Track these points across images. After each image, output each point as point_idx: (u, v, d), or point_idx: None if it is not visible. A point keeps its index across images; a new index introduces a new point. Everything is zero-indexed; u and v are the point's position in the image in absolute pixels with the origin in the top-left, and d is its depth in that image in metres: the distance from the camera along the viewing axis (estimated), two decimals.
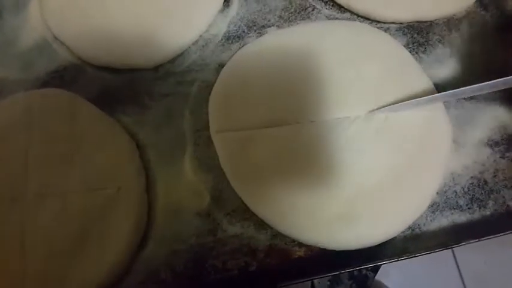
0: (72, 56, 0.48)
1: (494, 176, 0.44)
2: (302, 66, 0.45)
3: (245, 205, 0.42)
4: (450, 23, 0.49)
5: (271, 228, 0.42)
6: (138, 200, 0.41)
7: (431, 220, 0.42)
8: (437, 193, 0.42)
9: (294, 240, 0.41)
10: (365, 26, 0.48)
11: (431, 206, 0.42)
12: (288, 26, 0.49)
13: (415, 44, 0.49)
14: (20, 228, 0.40)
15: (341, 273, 0.40)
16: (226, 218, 0.42)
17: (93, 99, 0.46)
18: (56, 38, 0.49)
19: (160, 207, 0.43)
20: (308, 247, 0.41)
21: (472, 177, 0.44)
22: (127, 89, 0.47)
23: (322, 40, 0.46)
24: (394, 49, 0.46)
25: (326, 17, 0.50)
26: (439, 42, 0.49)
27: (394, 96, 0.43)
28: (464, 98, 0.46)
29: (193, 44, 0.49)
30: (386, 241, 0.40)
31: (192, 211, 0.42)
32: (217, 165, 0.43)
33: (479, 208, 0.43)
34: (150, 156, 0.44)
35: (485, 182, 0.43)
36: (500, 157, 0.44)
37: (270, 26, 0.50)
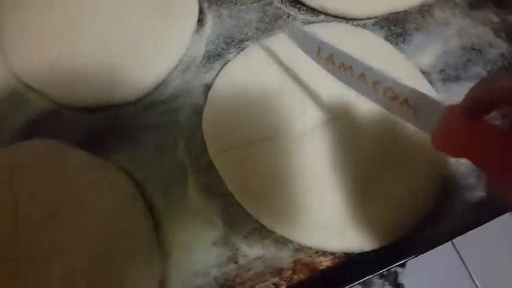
0: (47, 101, 0.45)
1: None
2: (286, 75, 0.45)
3: (260, 224, 0.40)
4: (423, 9, 0.50)
5: (292, 242, 0.40)
6: (148, 241, 0.39)
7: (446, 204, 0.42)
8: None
9: (317, 251, 0.40)
10: (343, 26, 0.48)
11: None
12: (266, 36, 0.49)
13: (393, 36, 0.49)
14: None
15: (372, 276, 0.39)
16: (244, 242, 0.40)
17: (79, 144, 0.43)
18: (26, 86, 0.46)
19: (172, 245, 0.40)
20: (333, 255, 0.40)
21: None
22: (112, 126, 0.45)
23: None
24: (376, 44, 0.47)
25: (302, 22, 0.50)
26: (416, 30, 0.50)
27: None
28: (451, 80, 0.47)
29: (173, 69, 0.47)
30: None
31: (207, 242, 0.40)
32: (223, 189, 0.41)
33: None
34: (151, 193, 0.42)
35: None
36: None
37: (248, 39, 0.49)
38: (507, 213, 0.38)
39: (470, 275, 0.77)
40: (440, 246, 0.38)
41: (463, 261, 0.79)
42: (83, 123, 0.45)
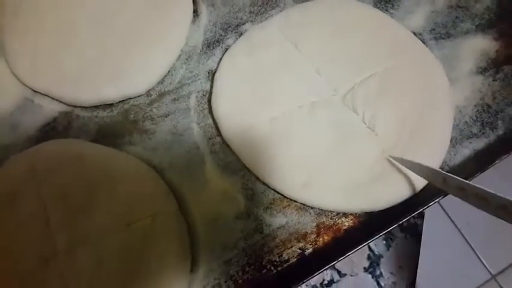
0: (58, 104, 0.47)
1: (494, 98, 0.46)
2: (288, 54, 0.46)
3: (280, 194, 0.42)
4: None
5: (312, 208, 0.42)
6: (176, 221, 0.40)
7: (454, 154, 0.44)
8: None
9: (338, 213, 0.42)
10: (336, 3, 0.50)
11: (451, 142, 0.44)
12: (261, 18, 0.50)
13: (382, 2, 0.51)
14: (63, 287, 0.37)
15: (392, 229, 0.40)
16: (266, 213, 0.42)
17: (94, 140, 0.45)
18: (35, 92, 0.47)
19: (198, 224, 0.41)
20: (354, 215, 0.42)
21: (475, 105, 0.46)
22: (125, 120, 0.46)
23: (299, 24, 0.48)
24: (367, 12, 0.48)
25: (292, 2, 0.51)
26: None
27: (385, 53, 0.45)
28: (443, 38, 0.49)
29: (176, 60, 0.48)
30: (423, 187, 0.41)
31: (231, 217, 0.42)
32: (240, 166, 0.43)
33: (492, 130, 0.45)
34: (171, 178, 0.43)
35: (489, 106, 0.46)
36: (493, 80, 0.47)
37: (244, 23, 0.50)
38: None
39: None
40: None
41: None
42: (96, 120, 0.46)
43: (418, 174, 0.38)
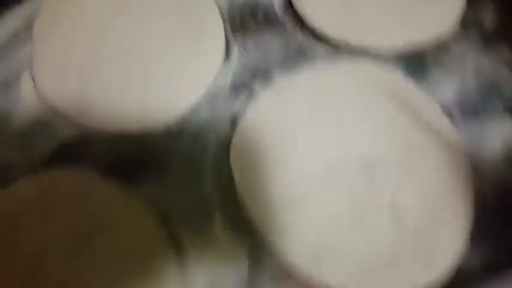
0: (77, 127, 0.46)
1: None
2: (315, 111, 0.46)
3: (287, 263, 0.40)
4: (439, 46, 0.52)
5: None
6: (170, 280, 0.39)
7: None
8: None
9: None
10: (367, 63, 0.49)
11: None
12: (291, 65, 0.50)
13: (412, 73, 0.50)
14: None
15: None
16: (271, 281, 0.40)
17: (106, 171, 0.44)
18: (55, 111, 0.46)
19: (197, 282, 0.40)
20: None
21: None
22: (140, 154, 0.46)
23: (328, 83, 0.47)
24: (398, 81, 0.48)
25: (324, 55, 0.51)
26: (433, 66, 0.51)
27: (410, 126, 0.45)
28: (470, 115, 0.48)
29: (201, 98, 0.48)
30: None
31: (231, 281, 0.40)
32: (251, 226, 0.41)
33: None
34: (177, 225, 0.42)
35: None
36: None
37: (273, 69, 0.50)
38: None
39: None
40: None
41: None
42: (112, 151, 0.46)
43: None
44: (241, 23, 0.52)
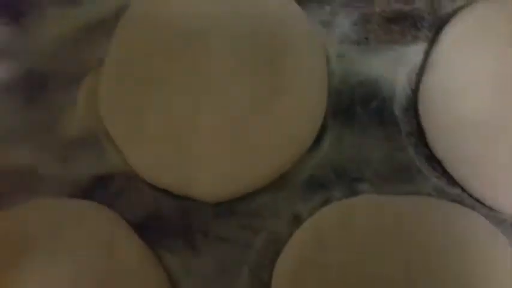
0: (124, 163, 0.40)
1: None
2: (390, 246, 0.37)
3: None
4: None
5: None
6: None
7: None
8: None
9: None
10: (480, 217, 0.39)
11: None
12: (385, 186, 0.40)
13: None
14: None
15: None
16: None
17: (137, 223, 0.39)
18: (107, 135, 0.41)
19: None
20: None
21: None
22: (179, 219, 0.40)
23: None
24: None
25: (432, 187, 0.41)
26: None
27: None
28: None
29: (268, 183, 0.40)
30: None
31: None
32: None
33: None
34: None
35: None
36: None
37: (363, 181, 0.41)
38: None
39: None
40: None
41: None
42: (151, 204, 0.40)
43: None
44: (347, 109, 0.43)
